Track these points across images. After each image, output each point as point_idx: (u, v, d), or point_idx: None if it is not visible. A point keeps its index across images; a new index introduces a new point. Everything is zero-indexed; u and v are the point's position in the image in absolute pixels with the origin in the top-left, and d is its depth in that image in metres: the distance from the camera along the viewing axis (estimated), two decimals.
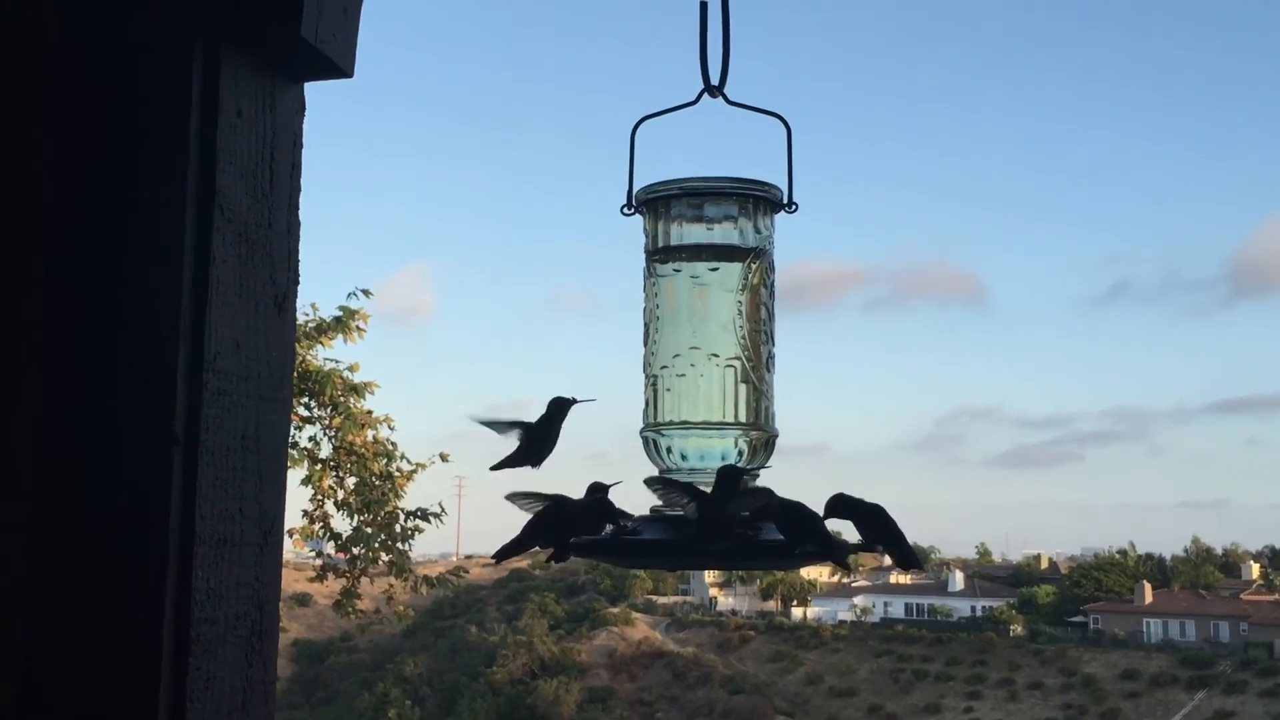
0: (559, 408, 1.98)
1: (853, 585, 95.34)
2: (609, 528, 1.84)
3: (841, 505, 1.78)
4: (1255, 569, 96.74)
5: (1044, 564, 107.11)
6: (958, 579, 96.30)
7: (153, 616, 1.51)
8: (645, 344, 1.97)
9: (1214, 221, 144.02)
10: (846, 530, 1.79)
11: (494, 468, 1.98)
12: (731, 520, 1.74)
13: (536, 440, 1.99)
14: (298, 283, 1.78)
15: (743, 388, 1.90)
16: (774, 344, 1.94)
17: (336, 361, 13.35)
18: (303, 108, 1.82)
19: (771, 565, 1.98)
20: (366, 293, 13.78)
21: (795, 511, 1.73)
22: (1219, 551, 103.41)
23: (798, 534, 1.72)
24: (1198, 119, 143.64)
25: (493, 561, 1.94)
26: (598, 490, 1.85)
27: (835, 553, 1.73)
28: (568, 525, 1.82)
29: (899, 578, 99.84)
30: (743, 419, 1.90)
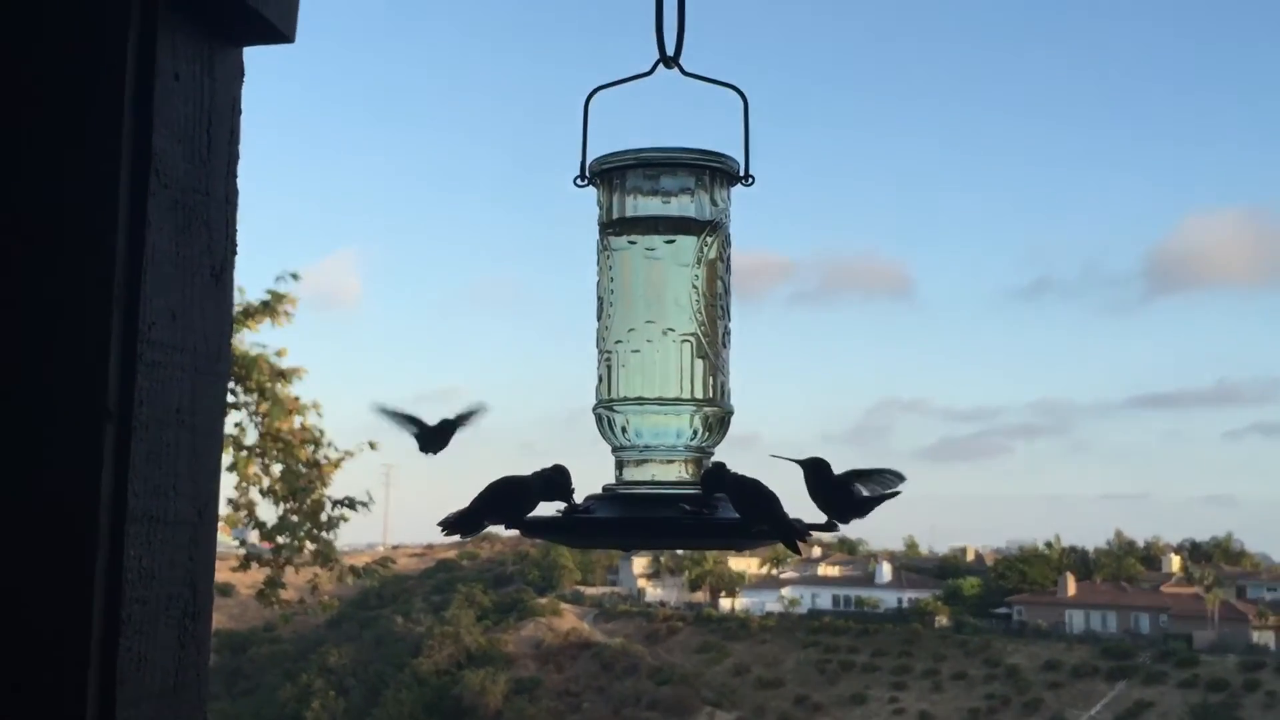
0: (456, 422, 2.06)
1: (781, 577, 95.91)
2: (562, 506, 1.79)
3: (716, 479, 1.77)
4: (1175, 562, 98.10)
5: (970, 556, 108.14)
6: (885, 571, 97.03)
7: (83, 595, 1.45)
8: (599, 319, 1.92)
9: (1133, 217, 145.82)
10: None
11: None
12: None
13: (431, 439, 2.07)
14: (235, 253, 1.72)
15: (698, 363, 1.87)
16: (730, 319, 1.91)
17: (264, 346, 13.19)
18: (241, 73, 1.76)
19: (726, 545, 1.94)
20: (295, 276, 13.61)
21: (752, 489, 1.69)
22: (1140, 544, 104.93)
23: (754, 512, 1.69)
24: (1119, 113, 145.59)
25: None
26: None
27: (789, 534, 1.69)
28: (522, 500, 1.76)
29: (827, 569, 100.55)
30: (698, 395, 1.86)
